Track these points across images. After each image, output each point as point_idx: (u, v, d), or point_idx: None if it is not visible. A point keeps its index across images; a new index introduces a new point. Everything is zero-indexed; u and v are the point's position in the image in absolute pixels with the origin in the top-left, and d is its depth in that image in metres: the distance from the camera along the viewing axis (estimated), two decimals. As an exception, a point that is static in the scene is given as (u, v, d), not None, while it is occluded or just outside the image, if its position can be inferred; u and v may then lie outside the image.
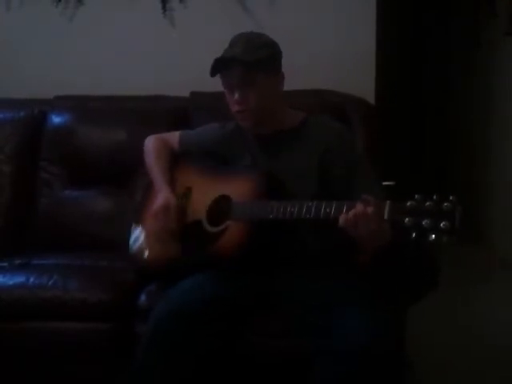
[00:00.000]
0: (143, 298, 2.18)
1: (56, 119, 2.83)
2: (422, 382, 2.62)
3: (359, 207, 1.72)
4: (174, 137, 2.35)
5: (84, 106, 2.90)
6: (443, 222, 1.58)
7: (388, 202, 1.70)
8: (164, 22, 3.03)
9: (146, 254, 2.18)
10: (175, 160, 2.29)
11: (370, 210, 1.71)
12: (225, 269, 2.00)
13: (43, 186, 2.78)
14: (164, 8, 3.02)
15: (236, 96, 2.05)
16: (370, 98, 2.90)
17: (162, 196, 2.14)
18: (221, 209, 2.04)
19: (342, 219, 1.75)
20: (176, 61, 3.04)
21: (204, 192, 2.13)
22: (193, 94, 2.87)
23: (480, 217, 4.55)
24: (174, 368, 1.89)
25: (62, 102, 2.90)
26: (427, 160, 5.65)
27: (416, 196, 1.64)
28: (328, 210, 1.79)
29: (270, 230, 1.95)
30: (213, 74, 2.08)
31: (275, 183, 2.02)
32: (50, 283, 2.21)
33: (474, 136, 4.89)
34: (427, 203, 1.62)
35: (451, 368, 2.74)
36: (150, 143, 2.35)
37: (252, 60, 2.01)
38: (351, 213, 1.73)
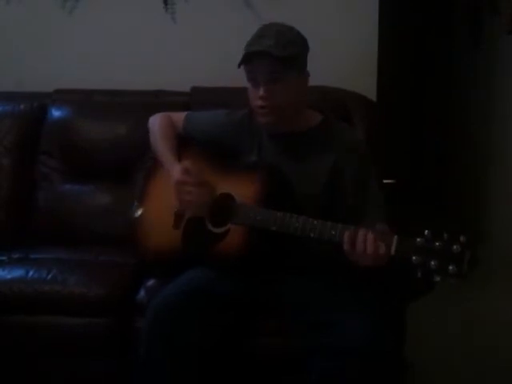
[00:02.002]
0: (142, 292, 2.18)
1: (56, 113, 2.81)
2: (422, 382, 2.61)
3: (360, 239, 1.72)
4: (179, 118, 2.26)
5: (84, 100, 2.88)
6: (451, 266, 1.59)
7: (396, 237, 1.68)
8: (165, 17, 3.02)
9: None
10: (180, 142, 2.22)
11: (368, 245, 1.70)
12: (224, 270, 1.98)
13: (42, 180, 2.76)
14: (165, 2, 3.01)
15: (261, 91, 1.94)
16: (372, 97, 2.89)
17: (178, 169, 2.05)
18: (224, 209, 2.00)
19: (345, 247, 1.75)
20: (177, 56, 3.03)
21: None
22: (194, 89, 2.85)
23: (480, 217, 4.54)
24: (177, 358, 1.86)
25: (61, 96, 2.87)
26: (427, 159, 5.64)
27: (426, 232, 1.63)
28: (333, 233, 1.78)
29: (271, 240, 1.91)
30: (240, 65, 1.97)
31: (281, 186, 1.98)
32: (48, 277, 2.21)
33: (474, 136, 4.88)
34: (436, 243, 1.61)
35: (451, 368, 2.73)
36: (157, 121, 2.26)
37: (285, 55, 1.91)
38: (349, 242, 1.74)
